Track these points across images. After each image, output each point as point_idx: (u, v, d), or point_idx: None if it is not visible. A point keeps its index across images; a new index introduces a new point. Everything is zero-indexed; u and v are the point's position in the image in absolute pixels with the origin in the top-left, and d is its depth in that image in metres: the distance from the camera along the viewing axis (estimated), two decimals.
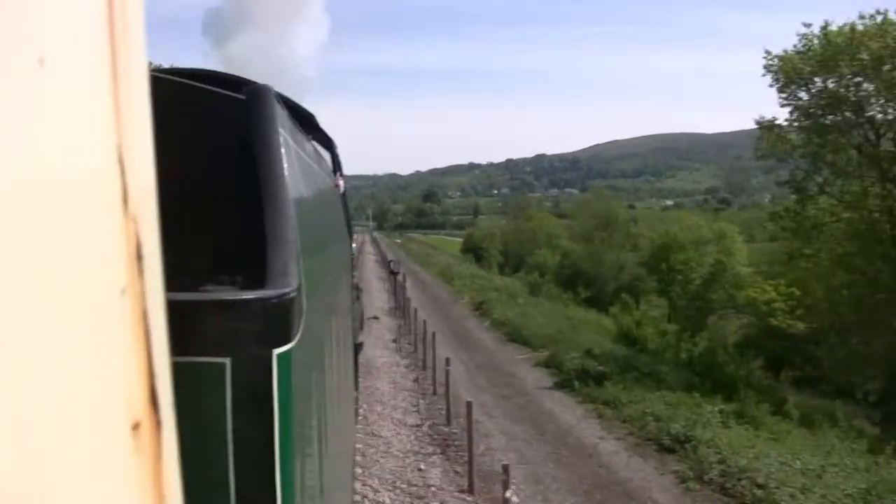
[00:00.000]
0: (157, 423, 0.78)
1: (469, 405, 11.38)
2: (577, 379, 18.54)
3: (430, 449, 13.41)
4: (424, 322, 21.63)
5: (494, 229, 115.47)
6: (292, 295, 2.20)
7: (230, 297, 2.14)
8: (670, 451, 13.55)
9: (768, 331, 35.94)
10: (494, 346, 25.40)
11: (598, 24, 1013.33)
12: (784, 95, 27.22)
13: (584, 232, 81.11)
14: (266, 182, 2.53)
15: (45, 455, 0.54)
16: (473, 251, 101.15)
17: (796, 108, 27.38)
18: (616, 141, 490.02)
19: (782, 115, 27.99)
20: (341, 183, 6.53)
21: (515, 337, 26.19)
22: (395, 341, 23.68)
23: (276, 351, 2.07)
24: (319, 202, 4.21)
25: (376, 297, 35.58)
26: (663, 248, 59.84)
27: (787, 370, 37.91)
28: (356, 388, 9.66)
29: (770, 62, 26.96)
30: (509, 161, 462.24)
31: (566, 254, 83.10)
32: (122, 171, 0.65)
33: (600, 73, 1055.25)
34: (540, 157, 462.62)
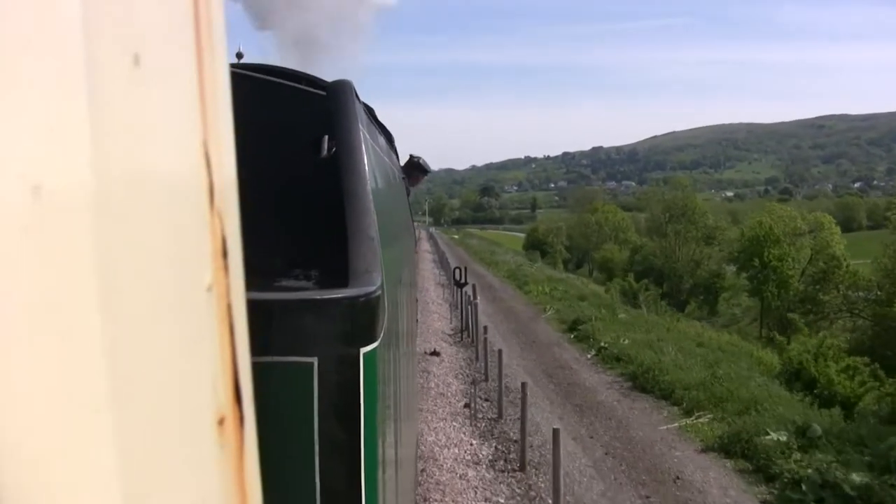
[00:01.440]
0: (241, 419, 0.79)
1: None
2: None
3: None
4: (500, 351, 14.42)
5: (560, 223, 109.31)
6: (378, 293, 2.19)
7: (317, 297, 2.14)
8: None
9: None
10: (619, 403, 16.11)
11: (653, 19, 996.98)
12: None
13: (656, 225, 74.65)
14: (347, 178, 2.52)
15: (143, 449, 0.55)
16: (537, 247, 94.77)
17: None
18: (674, 132, 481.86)
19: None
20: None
21: (645, 384, 17.28)
22: (467, 406, 14.35)
23: (363, 350, 2.07)
24: (393, 197, 4.20)
25: (435, 312, 26.89)
26: (754, 241, 53.04)
27: None
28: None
29: None
30: (566, 154, 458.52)
31: (636, 249, 76.64)
32: (209, 168, 0.66)
33: (656, 67, 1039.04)
34: (597, 150, 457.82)
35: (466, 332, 22.15)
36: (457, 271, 22.58)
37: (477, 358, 18.41)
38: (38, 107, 0.43)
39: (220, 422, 0.73)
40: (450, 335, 23.11)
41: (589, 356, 21.25)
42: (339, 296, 2.11)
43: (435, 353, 18.91)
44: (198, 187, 0.65)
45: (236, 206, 0.77)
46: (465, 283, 22.36)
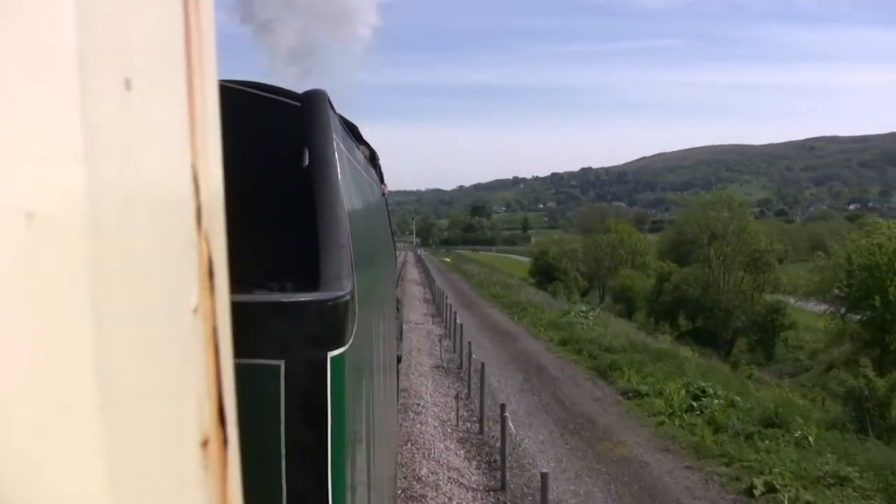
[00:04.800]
0: (224, 440, 0.79)
1: None
2: None
3: None
4: None
5: (574, 244, 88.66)
6: (346, 298, 2.21)
7: (285, 300, 2.16)
8: None
9: None
10: None
11: (642, 39, 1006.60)
12: None
13: (684, 247, 61.41)
14: (320, 186, 2.53)
15: (129, 469, 0.55)
16: (547, 272, 77.23)
17: None
18: (663, 153, 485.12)
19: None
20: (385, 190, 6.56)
21: None
22: None
23: (331, 353, 2.08)
24: (369, 209, 4.21)
25: (431, 421, 13.79)
26: (867, 270, 36.32)
27: None
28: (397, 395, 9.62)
29: None
30: (554, 175, 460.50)
31: (663, 276, 61.59)
32: (197, 189, 0.66)
33: (644, 88, 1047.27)
34: (586, 171, 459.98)
35: None
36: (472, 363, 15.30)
37: None
38: (34, 133, 0.44)
39: (205, 443, 0.73)
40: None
41: None
42: (307, 299, 2.12)
43: None
44: (186, 209, 0.65)
45: (223, 226, 0.77)
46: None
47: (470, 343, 18.30)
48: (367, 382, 3.00)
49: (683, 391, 16.91)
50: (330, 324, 2.14)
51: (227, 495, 0.80)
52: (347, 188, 2.82)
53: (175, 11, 0.64)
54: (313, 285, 2.27)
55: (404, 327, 17.55)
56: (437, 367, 19.59)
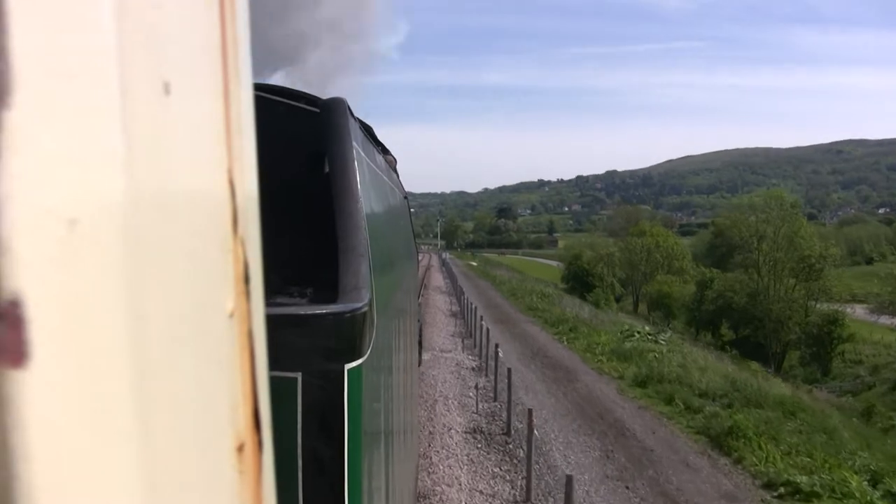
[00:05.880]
0: (259, 445, 0.79)
1: None
2: None
3: None
4: None
5: (612, 249, 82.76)
6: (364, 309, 2.19)
7: (302, 312, 2.14)
8: None
9: None
10: None
11: (667, 42, 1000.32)
12: None
13: (719, 251, 57.06)
14: (339, 194, 2.52)
15: (166, 475, 0.55)
16: (580, 278, 73.04)
17: None
18: (689, 157, 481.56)
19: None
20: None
21: None
22: None
23: (348, 366, 2.06)
24: (390, 215, 4.20)
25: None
26: None
27: None
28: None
29: None
30: (579, 177, 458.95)
31: (705, 282, 57.19)
32: (233, 193, 0.66)
33: (670, 90, 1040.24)
34: (611, 174, 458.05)
35: None
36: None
37: None
38: (75, 138, 0.44)
39: (240, 448, 0.73)
40: None
41: None
42: (324, 311, 2.11)
43: None
44: (223, 213, 0.65)
45: (258, 230, 0.77)
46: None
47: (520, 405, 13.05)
48: (385, 394, 2.99)
49: (865, 483, 10.59)
50: (347, 336, 2.13)
51: (262, 500, 0.80)
52: (367, 196, 2.81)
53: (211, 15, 0.64)
54: (334, 290, 2.26)
55: (426, 357, 15.05)
56: (474, 430, 13.41)
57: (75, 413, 0.44)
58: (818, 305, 48.69)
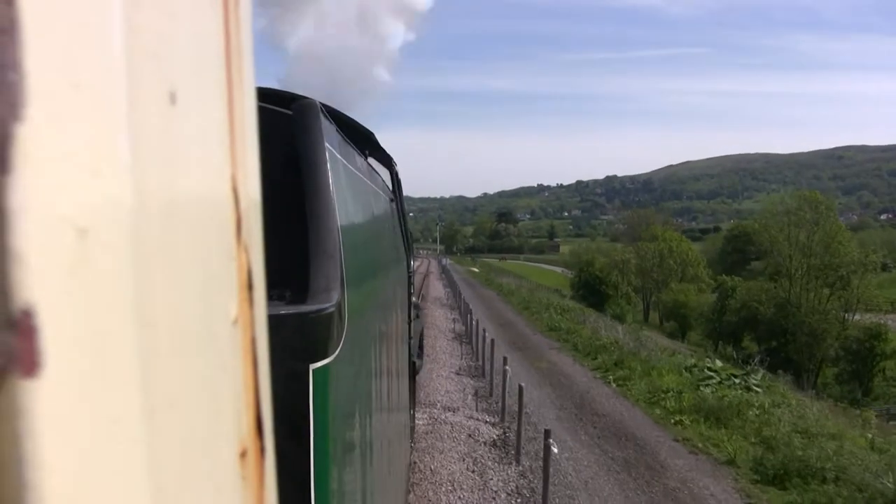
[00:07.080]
0: (262, 451, 0.79)
1: None
2: None
3: None
4: None
5: (628, 256, 75.03)
6: (330, 310, 2.20)
7: (268, 313, 2.15)
8: None
9: None
10: None
11: (668, 48, 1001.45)
12: None
13: (732, 257, 51.38)
14: (311, 197, 2.52)
15: (170, 481, 0.55)
16: (591, 286, 66.19)
17: None
18: (689, 162, 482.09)
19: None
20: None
21: None
22: None
23: (313, 366, 2.06)
24: (371, 217, 4.19)
25: None
26: None
27: None
28: (412, 408, 9.48)
29: None
30: (579, 183, 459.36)
31: (726, 291, 51.80)
32: (237, 201, 0.67)
33: (670, 95, 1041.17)
34: (611, 179, 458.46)
35: None
36: None
37: None
38: (84, 146, 0.44)
39: (243, 454, 0.73)
40: None
41: None
42: (290, 312, 2.11)
43: None
44: (226, 220, 0.65)
45: (260, 237, 0.77)
46: None
47: None
48: (361, 395, 2.98)
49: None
50: (312, 336, 2.13)
51: None
52: (342, 198, 2.80)
53: (216, 22, 0.65)
54: (305, 294, 2.27)
55: (420, 422, 11.32)
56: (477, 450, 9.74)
57: (86, 421, 0.44)
58: (854, 317, 44.26)
